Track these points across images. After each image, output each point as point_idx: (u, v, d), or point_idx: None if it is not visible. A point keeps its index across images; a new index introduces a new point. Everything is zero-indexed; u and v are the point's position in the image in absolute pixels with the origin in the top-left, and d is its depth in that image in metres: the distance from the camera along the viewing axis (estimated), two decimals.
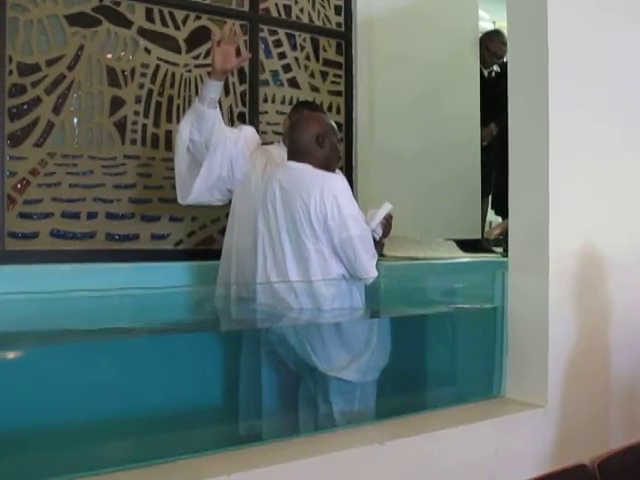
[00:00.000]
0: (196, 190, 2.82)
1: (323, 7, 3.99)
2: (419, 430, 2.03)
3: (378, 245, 2.68)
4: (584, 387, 2.36)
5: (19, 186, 3.08)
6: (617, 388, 2.44)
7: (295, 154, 2.61)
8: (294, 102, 3.86)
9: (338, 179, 2.57)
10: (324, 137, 2.59)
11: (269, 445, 1.93)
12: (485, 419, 2.18)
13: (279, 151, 2.88)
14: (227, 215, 3.58)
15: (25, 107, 3.10)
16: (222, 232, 3.13)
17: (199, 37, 3.57)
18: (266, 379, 2.62)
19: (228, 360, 2.77)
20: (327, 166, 2.60)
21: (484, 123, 4.59)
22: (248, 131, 2.99)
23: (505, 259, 2.49)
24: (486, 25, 5.31)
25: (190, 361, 2.63)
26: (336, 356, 2.52)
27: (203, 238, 3.54)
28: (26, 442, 2.04)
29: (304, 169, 2.55)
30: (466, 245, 4.21)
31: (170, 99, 3.48)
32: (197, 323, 2.60)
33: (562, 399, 2.28)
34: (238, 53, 2.77)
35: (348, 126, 4.04)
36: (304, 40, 3.93)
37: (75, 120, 3.22)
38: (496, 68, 4.78)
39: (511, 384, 2.37)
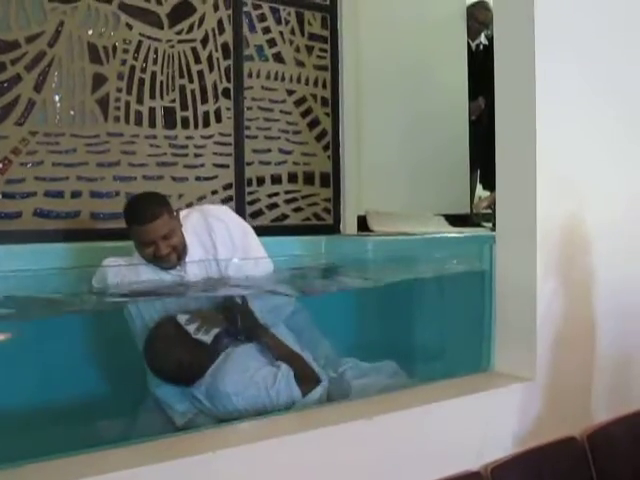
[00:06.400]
0: None
1: None
2: (408, 405, 2.02)
3: None
4: (572, 359, 2.36)
5: (1, 166, 3.04)
6: (604, 359, 2.44)
7: None
8: (280, 77, 3.82)
9: None
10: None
11: (255, 422, 1.92)
12: (474, 393, 2.17)
13: None
14: (213, 192, 3.57)
15: (5, 85, 3.05)
16: None
17: (181, 12, 3.51)
18: None
19: None
20: None
21: (472, 97, 4.56)
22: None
23: (493, 233, 2.48)
24: None
25: None
26: None
27: None
28: None
29: None
30: (455, 220, 4.20)
31: (153, 75, 3.43)
32: None
33: (550, 372, 2.27)
34: None
35: (335, 100, 4.01)
36: (289, 14, 3.88)
37: (57, 98, 3.18)
38: (483, 41, 4.74)
39: (499, 358, 2.36)
